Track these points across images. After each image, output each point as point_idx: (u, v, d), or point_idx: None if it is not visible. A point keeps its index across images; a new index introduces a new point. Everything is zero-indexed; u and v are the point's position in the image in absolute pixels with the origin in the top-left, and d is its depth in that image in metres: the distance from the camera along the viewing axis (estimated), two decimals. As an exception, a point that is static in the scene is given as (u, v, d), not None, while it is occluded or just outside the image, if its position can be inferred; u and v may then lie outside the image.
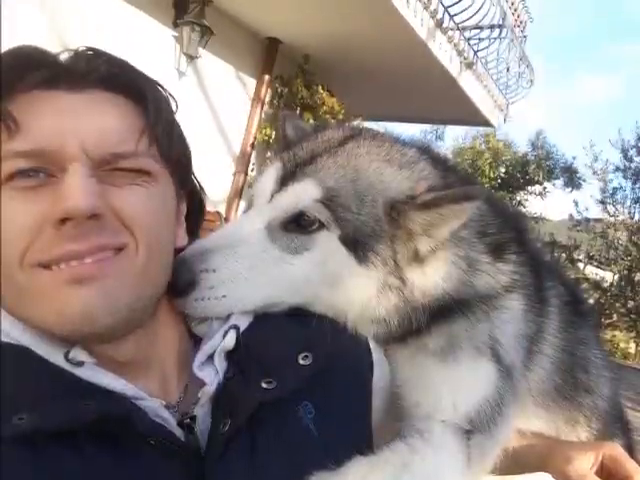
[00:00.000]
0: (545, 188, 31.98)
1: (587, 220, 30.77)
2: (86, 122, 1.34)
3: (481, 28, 13.21)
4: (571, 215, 31.16)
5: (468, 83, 13.14)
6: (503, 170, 31.20)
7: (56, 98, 1.36)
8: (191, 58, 10.65)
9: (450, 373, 1.64)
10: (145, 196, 1.38)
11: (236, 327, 1.53)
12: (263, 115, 12.44)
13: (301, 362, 1.47)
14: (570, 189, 32.38)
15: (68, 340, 1.30)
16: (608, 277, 30.53)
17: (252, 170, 12.22)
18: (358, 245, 1.59)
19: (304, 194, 1.60)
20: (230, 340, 1.49)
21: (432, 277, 1.64)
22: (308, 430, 1.45)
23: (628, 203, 29.82)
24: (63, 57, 1.45)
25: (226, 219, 9.15)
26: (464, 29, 12.74)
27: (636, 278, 28.83)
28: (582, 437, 1.94)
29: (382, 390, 1.75)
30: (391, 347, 1.74)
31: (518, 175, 31.10)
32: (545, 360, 1.81)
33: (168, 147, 1.49)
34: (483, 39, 13.65)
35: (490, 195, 1.83)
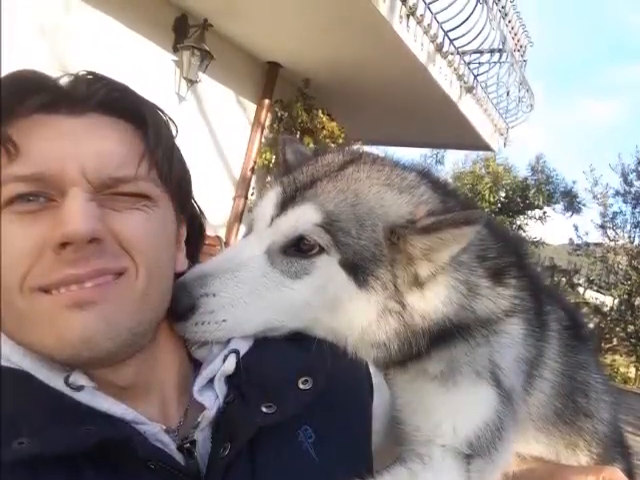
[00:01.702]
0: (545, 212, 31.91)
1: (587, 244, 30.87)
2: (86, 146, 1.34)
3: (481, 52, 13.26)
4: (571, 239, 31.27)
5: (468, 107, 13.18)
6: (503, 194, 31.20)
7: (56, 122, 1.37)
8: (191, 82, 10.69)
9: (450, 397, 1.64)
10: (145, 220, 1.38)
11: (236, 351, 1.52)
12: (263, 139, 12.47)
13: (301, 386, 1.46)
14: (570, 213, 32.35)
15: (68, 364, 1.29)
16: (608, 301, 30.57)
17: (252, 194, 12.24)
18: (358, 269, 1.59)
19: (304, 218, 1.60)
20: (230, 364, 1.49)
21: (432, 301, 1.64)
22: (308, 454, 1.45)
23: (628, 227, 29.96)
24: (63, 81, 1.46)
25: (226, 243, 9.15)
26: (464, 53, 12.79)
27: (636, 302, 28.86)
28: (582, 461, 1.92)
29: (382, 414, 1.75)
30: (391, 371, 1.73)
31: (518, 199, 31.06)
32: (545, 384, 1.80)
33: (168, 171, 1.49)
34: (483, 63, 13.69)
35: (490, 219, 1.82)
